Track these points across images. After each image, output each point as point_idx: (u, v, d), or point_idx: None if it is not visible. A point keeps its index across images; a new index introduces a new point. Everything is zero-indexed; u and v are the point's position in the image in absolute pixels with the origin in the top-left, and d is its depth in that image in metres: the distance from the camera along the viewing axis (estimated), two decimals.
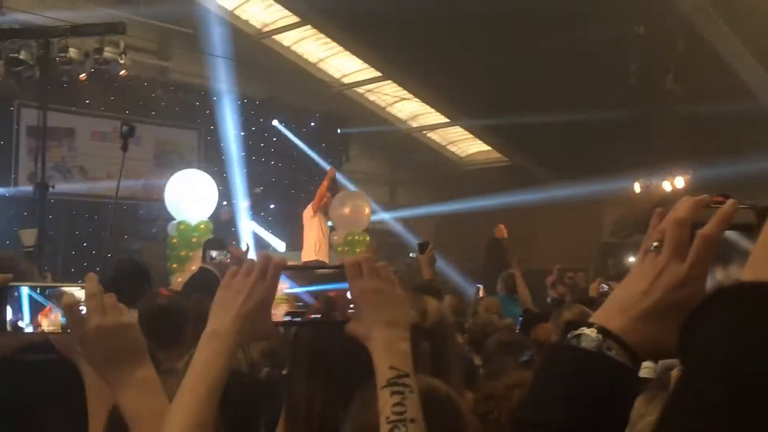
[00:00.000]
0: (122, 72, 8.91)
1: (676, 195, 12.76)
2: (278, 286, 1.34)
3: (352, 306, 1.32)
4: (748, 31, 11.07)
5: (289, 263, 1.39)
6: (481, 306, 5.41)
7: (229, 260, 5.21)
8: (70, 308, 1.39)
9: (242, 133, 13.75)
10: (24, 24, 8.98)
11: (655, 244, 0.91)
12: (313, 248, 10.17)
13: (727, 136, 12.41)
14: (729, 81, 11.55)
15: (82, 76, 8.67)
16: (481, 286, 13.06)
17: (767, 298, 0.45)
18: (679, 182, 12.26)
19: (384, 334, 1.26)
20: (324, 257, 9.70)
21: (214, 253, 5.43)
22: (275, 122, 14.14)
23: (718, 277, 0.92)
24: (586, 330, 0.85)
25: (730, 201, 0.92)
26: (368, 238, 12.27)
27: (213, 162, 13.01)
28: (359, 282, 1.31)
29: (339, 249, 11.93)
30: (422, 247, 4.35)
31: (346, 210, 12.14)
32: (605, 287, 6.32)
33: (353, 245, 11.94)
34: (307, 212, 10.34)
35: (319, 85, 14.44)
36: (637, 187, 12.63)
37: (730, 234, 0.92)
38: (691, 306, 0.86)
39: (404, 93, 15.33)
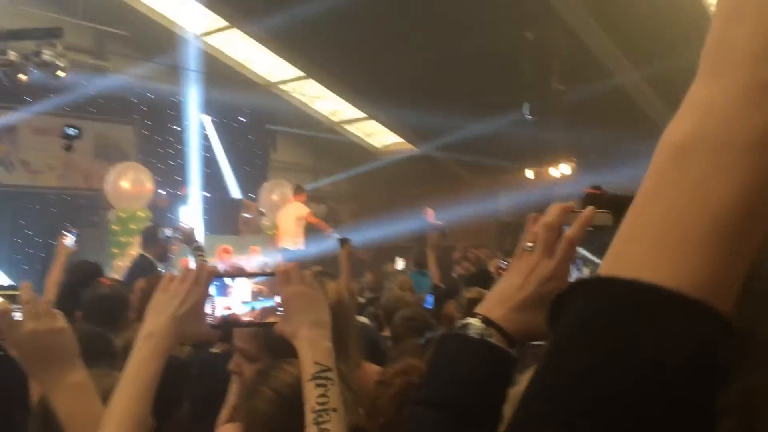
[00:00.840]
0: (61, 73, 8.53)
1: (563, 179, 13.18)
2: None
3: (281, 308, 1.33)
4: (623, 37, 11.46)
5: (224, 269, 1.42)
6: (395, 283, 5.45)
7: (180, 237, 5.07)
8: (2, 315, 1.35)
9: (177, 129, 13.43)
10: None
11: (529, 244, 0.96)
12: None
13: (605, 129, 12.88)
14: (606, 81, 11.95)
15: (23, 77, 8.26)
16: (395, 262, 13.19)
17: (609, 290, 0.46)
18: (565, 169, 12.63)
19: (309, 333, 1.28)
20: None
21: (168, 232, 5.35)
22: (203, 116, 13.76)
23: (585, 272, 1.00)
24: (471, 320, 0.91)
25: (589, 208, 0.99)
26: (323, 206, 12.28)
27: (150, 155, 12.68)
28: (288, 287, 1.32)
29: (269, 232, 11.91)
30: (342, 242, 4.34)
31: (275, 197, 12.10)
32: (503, 264, 6.46)
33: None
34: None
35: (248, 84, 14.21)
36: (529, 174, 12.95)
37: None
38: None
39: (325, 91, 15.26)
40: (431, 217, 12.08)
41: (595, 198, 3.63)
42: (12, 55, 7.70)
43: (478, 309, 0.94)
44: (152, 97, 12.90)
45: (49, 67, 8.07)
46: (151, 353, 1.25)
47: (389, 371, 1.58)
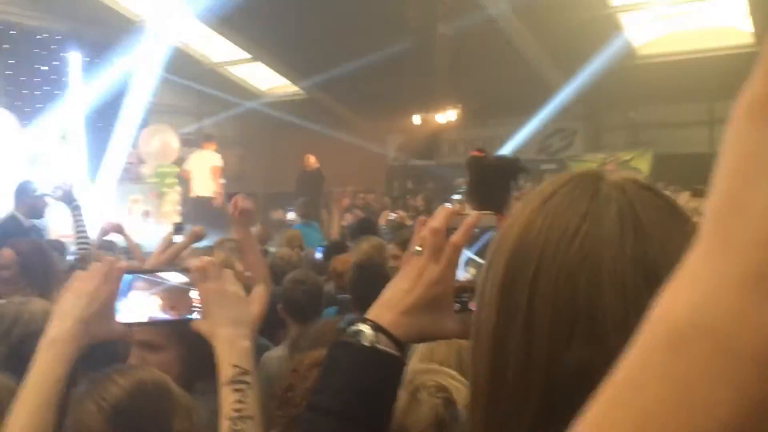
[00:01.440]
0: None
1: (449, 126, 13.44)
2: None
3: (198, 305, 1.29)
4: None
5: (131, 266, 1.35)
6: (284, 238, 5.38)
7: (58, 195, 4.84)
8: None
9: (43, 68, 12.52)
10: None
11: (417, 248, 0.97)
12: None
13: (488, 74, 13.20)
14: (489, 29, 12.15)
15: None
16: (285, 212, 13.09)
17: None
18: (451, 115, 12.87)
19: (227, 332, 1.25)
20: None
21: (44, 189, 5.10)
22: (73, 54, 12.88)
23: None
24: (362, 326, 0.93)
25: (474, 213, 1.01)
26: (176, 169, 11.86)
27: (15, 97, 11.81)
28: (206, 284, 1.29)
29: (149, 180, 11.49)
30: (229, 197, 4.20)
31: (155, 143, 11.63)
32: (392, 216, 6.56)
33: (162, 177, 11.53)
34: None
35: (122, 21, 13.38)
36: (416, 119, 13.10)
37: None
38: (443, 300, 0.97)
39: (209, 31, 14.65)
40: (312, 163, 12.06)
41: (480, 160, 3.72)
42: None
43: (369, 314, 0.96)
44: (15, 33, 11.93)
45: None
46: (54, 361, 1.20)
47: (304, 361, 1.57)
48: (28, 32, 12.18)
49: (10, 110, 10.21)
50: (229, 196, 4.65)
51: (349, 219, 8.35)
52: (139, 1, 13.48)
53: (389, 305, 0.96)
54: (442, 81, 12.53)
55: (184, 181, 11.68)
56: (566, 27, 11.64)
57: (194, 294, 1.30)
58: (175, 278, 1.32)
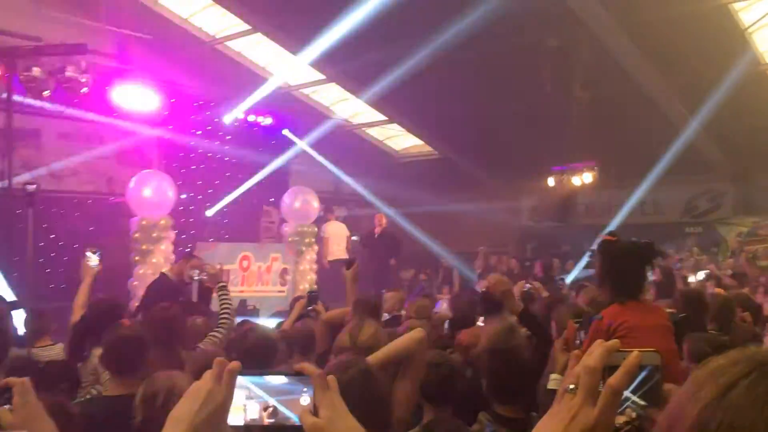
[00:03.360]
0: (83, 90, 8.62)
1: (584, 188, 13.09)
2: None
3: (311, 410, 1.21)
4: (647, 44, 11.32)
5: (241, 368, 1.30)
6: (412, 309, 5.36)
7: (205, 278, 5.18)
8: None
9: (198, 132, 13.51)
10: None
11: (571, 386, 0.92)
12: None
13: (628, 137, 12.78)
14: (629, 88, 11.83)
15: (46, 93, 8.36)
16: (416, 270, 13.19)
17: None
18: (587, 178, 12.55)
19: None
20: None
21: (193, 273, 5.40)
22: (230, 121, 13.87)
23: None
24: None
25: (634, 353, 0.91)
26: (315, 230, 12.31)
27: (172, 160, 12.78)
28: (326, 396, 1.21)
29: (290, 239, 11.98)
30: (348, 264, 4.26)
31: (297, 204, 12.15)
32: (528, 287, 6.41)
33: (302, 236, 11.99)
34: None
35: (269, 88, 14.23)
36: (550, 181, 12.88)
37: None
38: None
39: (346, 94, 15.30)
40: (381, 223, 12.03)
41: (612, 245, 3.59)
42: (36, 72, 7.79)
43: None
44: (174, 101, 12.98)
45: (72, 84, 8.15)
46: None
47: None
48: (185, 99, 13.20)
49: (169, 173, 11.03)
50: (348, 262, 4.76)
51: (482, 286, 8.15)
52: (285, 68, 14.32)
53: None
54: (577, 142, 12.29)
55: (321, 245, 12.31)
56: (709, 80, 11.09)
57: (304, 400, 1.22)
58: (283, 381, 1.26)
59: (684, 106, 12.21)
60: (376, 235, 12.13)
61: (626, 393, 0.93)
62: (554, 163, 12.99)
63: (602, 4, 10.62)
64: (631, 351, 0.92)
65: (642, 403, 0.92)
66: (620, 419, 0.93)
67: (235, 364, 1.25)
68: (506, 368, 2.96)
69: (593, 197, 14.58)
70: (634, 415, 0.94)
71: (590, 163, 12.60)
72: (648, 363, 0.93)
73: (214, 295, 4.92)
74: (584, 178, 12.53)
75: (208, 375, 1.23)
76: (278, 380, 1.28)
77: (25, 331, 5.20)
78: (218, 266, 5.21)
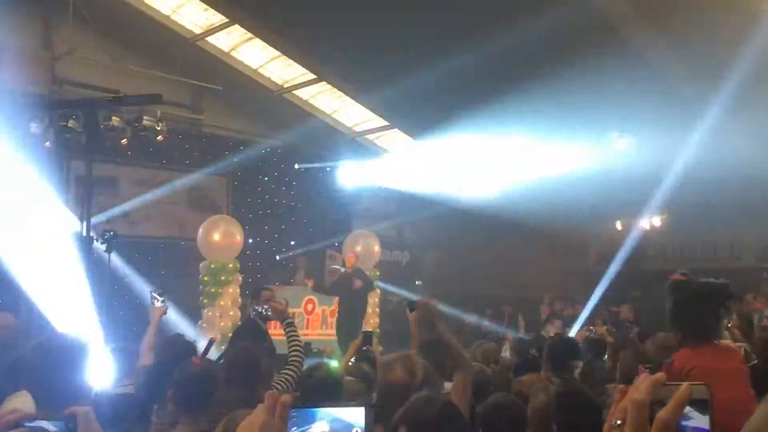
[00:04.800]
0: (159, 137, 9.03)
1: (654, 231, 12.77)
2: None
3: None
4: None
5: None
6: (478, 352, 5.31)
7: (271, 314, 5.19)
8: None
9: (265, 178, 13.88)
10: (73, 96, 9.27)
11: (618, 422, 0.89)
12: None
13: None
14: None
15: (124, 141, 8.80)
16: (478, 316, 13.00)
17: None
18: (656, 221, 12.24)
19: None
20: None
21: (259, 309, 5.46)
22: (297, 166, 14.26)
23: None
24: None
25: (684, 385, 0.90)
26: (378, 273, 12.37)
27: (240, 205, 13.13)
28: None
29: None
30: (411, 306, 4.28)
31: (359, 248, 12.26)
32: (590, 332, 6.28)
33: None
34: None
35: (334, 134, 14.56)
36: (618, 225, 12.61)
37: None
38: None
39: (409, 139, 15.47)
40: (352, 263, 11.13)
41: (684, 285, 3.46)
42: (115, 121, 8.22)
43: None
44: (243, 149, 13.40)
45: (149, 132, 8.55)
46: None
47: None
48: (254, 147, 13.61)
49: (237, 217, 11.34)
50: (411, 304, 4.71)
51: (551, 330, 8.03)
52: (349, 114, 14.63)
53: None
54: (644, 186, 12.04)
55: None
56: None
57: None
58: (339, 413, 1.25)
59: (760, 145, 11.86)
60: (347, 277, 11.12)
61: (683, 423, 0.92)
62: (623, 207, 12.74)
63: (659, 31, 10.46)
64: (680, 384, 0.89)
65: None
66: None
67: (286, 397, 1.25)
68: (579, 411, 2.91)
69: (664, 241, 14.18)
70: None
71: (660, 206, 12.30)
72: (697, 397, 0.90)
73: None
74: (653, 221, 12.23)
75: (260, 408, 1.23)
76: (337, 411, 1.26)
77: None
78: (284, 301, 5.19)
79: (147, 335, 4.92)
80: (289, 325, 4.65)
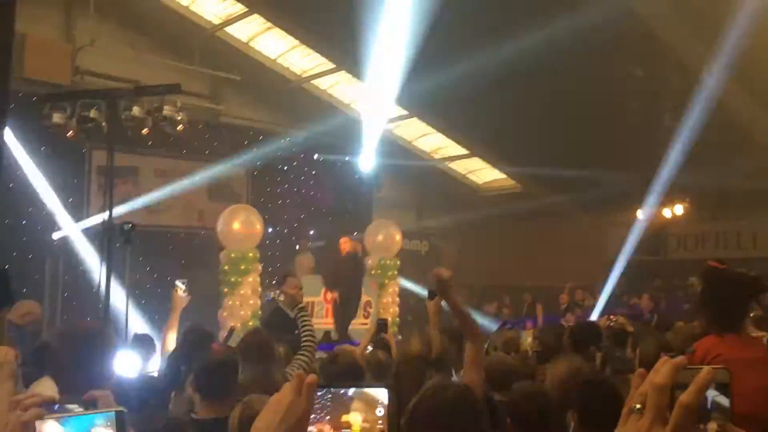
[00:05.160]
0: (179, 127, 9.10)
1: (675, 219, 12.64)
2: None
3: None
4: (739, 70, 10.93)
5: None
6: (500, 341, 5.29)
7: (283, 300, 5.18)
8: None
9: (284, 168, 13.91)
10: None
11: (637, 406, 0.88)
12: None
13: (720, 167, 12.28)
14: (721, 117, 11.41)
15: (145, 131, 8.88)
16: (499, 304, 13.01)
17: None
18: (678, 209, 12.11)
19: None
20: None
21: (270, 295, 5.47)
22: (316, 156, 14.32)
23: None
24: None
25: (705, 368, 0.87)
26: (398, 262, 12.37)
27: (260, 195, 13.19)
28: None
29: (373, 272, 12.07)
30: (431, 295, 4.27)
31: (380, 237, 12.26)
32: (612, 321, 6.24)
33: (385, 269, 12.08)
34: None
35: (353, 124, 14.55)
36: (639, 213, 12.49)
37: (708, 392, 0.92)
38: None
39: (428, 129, 15.43)
40: (350, 248, 10.62)
41: (718, 273, 3.42)
42: (136, 111, 8.29)
43: None
44: (263, 139, 13.44)
45: (169, 121, 8.61)
46: None
47: None
48: (273, 137, 13.65)
49: (257, 207, 11.37)
50: (431, 293, 4.71)
51: (570, 320, 8.00)
52: (366, 103, 14.61)
53: None
54: (668, 173, 11.91)
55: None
56: None
57: (379, 411, 1.25)
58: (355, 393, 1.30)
59: None
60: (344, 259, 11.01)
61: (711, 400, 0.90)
62: (644, 194, 12.61)
63: (692, 31, 10.36)
64: (700, 368, 0.88)
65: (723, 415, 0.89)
66: (712, 426, 0.90)
67: (312, 377, 1.26)
68: (603, 400, 2.90)
69: (685, 230, 14.04)
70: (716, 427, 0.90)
71: (681, 195, 12.16)
72: (719, 380, 0.89)
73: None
74: (675, 209, 12.10)
75: (287, 388, 1.24)
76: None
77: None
78: (297, 288, 5.17)
79: (169, 323, 4.98)
80: (300, 310, 4.67)
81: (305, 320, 4.60)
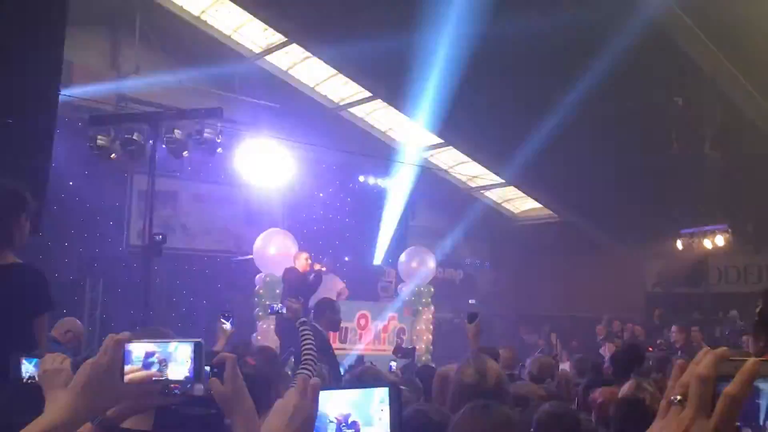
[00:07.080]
0: (219, 150, 9.27)
1: (716, 251, 12.38)
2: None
3: None
4: None
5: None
6: (535, 366, 5.22)
7: (287, 313, 5.18)
8: None
9: (320, 194, 14.04)
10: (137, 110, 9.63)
11: (678, 397, 0.85)
12: None
13: (764, 196, 12.05)
14: (763, 145, 11.24)
15: (185, 153, 9.08)
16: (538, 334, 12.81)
17: None
18: (719, 240, 11.88)
19: None
20: None
21: (275, 307, 5.47)
22: (361, 177, 14.40)
23: None
24: None
25: (751, 360, 0.82)
26: (432, 290, 12.32)
27: (295, 219, 13.30)
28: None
29: (407, 299, 12.05)
30: (471, 318, 4.21)
31: (414, 264, 12.25)
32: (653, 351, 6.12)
33: (419, 296, 12.05)
34: None
35: (390, 151, 14.66)
36: (679, 244, 12.28)
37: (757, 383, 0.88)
38: None
39: (463, 157, 15.46)
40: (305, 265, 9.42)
41: None
42: (177, 134, 8.48)
43: None
44: (299, 164, 13.58)
45: (209, 145, 8.78)
46: None
47: None
48: (308, 163, 13.81)
49: (292, 232, 11.46)
50: (471, 316, 4.70)
51: (608, 349, 7.87)
52: (405, 133, 14.71)
53: None
54: (708, 203, 11.72)
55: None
56: None
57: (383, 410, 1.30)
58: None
59: None
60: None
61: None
62: (683, 225, 12.42)
63: (730, 59, 10.27)
64: (745, 359, 0.84)
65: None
66: None
67: (316, 380, 1.34)
68: (636, 419, 2.85)
69: (727, 261, 13.74)
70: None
71: (723, 225, 11.93)
72: (766, 373, 0.83)
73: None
74: (716, 240, 11.87)
75: (292, 392, 1.31)
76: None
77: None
78: (300, 301, 5.19)
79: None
80: (302, 324, 4.73)
81: (306, 334, 4.66)
